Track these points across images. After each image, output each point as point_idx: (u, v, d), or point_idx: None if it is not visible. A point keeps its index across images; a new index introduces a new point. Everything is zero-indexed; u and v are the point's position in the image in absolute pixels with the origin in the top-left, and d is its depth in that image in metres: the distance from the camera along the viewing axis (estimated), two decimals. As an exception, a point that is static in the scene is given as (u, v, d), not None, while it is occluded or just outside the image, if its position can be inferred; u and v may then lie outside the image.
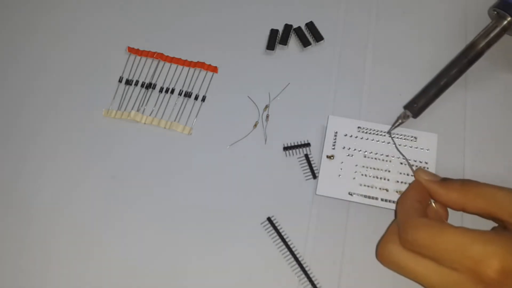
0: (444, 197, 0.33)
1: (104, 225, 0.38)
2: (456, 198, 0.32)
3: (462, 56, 0.39)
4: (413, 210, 0.32)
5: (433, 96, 0.39)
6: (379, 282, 0.35)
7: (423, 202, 0.33)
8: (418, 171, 0.35)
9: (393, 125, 0.38)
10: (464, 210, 0.32)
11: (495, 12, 0.40)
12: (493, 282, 0.27)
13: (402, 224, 0.31)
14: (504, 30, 0.40)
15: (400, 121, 0.38)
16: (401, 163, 0.37)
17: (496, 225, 0.33)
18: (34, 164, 0.41)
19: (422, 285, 0.30)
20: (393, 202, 0.36)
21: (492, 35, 0.39)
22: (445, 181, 0.33)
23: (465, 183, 0.32)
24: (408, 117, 0.38)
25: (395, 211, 0.36)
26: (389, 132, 0.38)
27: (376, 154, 0.38)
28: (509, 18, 0.39)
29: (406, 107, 0.39)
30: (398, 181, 0.37)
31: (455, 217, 0.35)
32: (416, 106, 0.38)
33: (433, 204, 0.34)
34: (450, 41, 0.43)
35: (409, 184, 0.36)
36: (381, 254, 0.32)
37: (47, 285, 0.37)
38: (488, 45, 0.39)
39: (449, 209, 0.34)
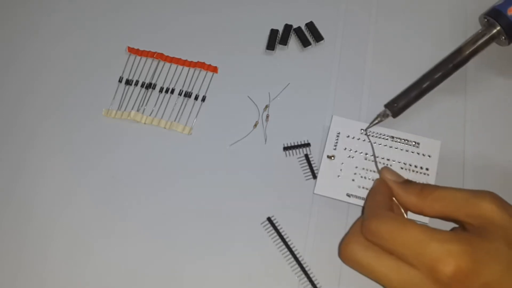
0: (403, 199, 0.33)
1: (103, 225, 0.38)
2: (414, 202, 0.32)
3: (447, 60, 0.39)
4: (380, 203, 0.33)
5: (414, 98, 0.39)
6: (379, 282, 0.35)
7: (390, 199, 0.34)
8: (383, 170, 0.35)
9: (371, 123, 0.38)
10: (422, 214, 0.32)
11: (486, 20, 0.40)
12: (448, 280, 0.27)
13: (367, 215, 0.32)
14: (492, 39, 0.39)
15: (379, 119, 0.38)
16: (402, 168, 0.37)
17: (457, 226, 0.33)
18: (34, 164, 0.41)
19: (382, 285, 0.30)
20: None
21: (479, 42, 0.39)
22: (406, 183, 0.34)
23: (425, 188, 0.32)
24: (387, 116, 0.38)
25: (363, 207, 0.36)
26: (366, 130, 0.38)
27: (377, 157, 0.38)
28: (498, 28, 0.39)
29: (386, 106, 0.39)
30: None
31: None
32: (396, 106, 0.38)
33: (395, 199, 0.34)
34: (450, 41, 0.43)
35: (376, 179, 0.36)
36: (343, 253, 0.32)
37: (46, 285, 0.37)
38: (475, 52, 0.39)
39: None
